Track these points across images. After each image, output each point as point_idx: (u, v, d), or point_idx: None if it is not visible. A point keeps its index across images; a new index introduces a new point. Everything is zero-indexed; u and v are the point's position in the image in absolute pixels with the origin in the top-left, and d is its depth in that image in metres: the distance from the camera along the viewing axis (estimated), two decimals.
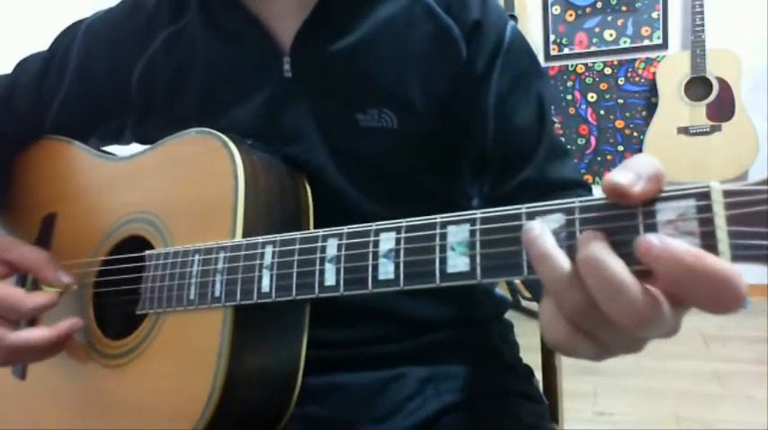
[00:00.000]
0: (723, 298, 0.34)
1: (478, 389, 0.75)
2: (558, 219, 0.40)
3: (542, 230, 0.40)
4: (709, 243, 0.34)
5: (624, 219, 0.37)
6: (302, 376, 0.64)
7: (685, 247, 0.34)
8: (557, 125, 3.44)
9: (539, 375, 0.90)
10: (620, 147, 3.40)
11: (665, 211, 0.36)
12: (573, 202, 0.40)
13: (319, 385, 0.71)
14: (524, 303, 3.04)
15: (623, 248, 0.37)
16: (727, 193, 0.34)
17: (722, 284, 0.33)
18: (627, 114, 3.38)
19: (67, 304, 0.71)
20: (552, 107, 0.79)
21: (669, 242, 0.34)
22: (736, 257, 0.33)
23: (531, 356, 0.88)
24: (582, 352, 0.41)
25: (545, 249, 0.39)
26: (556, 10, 3.45)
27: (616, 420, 2.04)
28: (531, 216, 0.41)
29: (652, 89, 3.26)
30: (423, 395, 0.74)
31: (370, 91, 0.72)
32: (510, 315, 0.90)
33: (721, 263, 0.33)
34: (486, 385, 0.76)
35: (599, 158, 3.45)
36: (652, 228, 0.36)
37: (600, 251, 0.37)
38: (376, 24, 0.72)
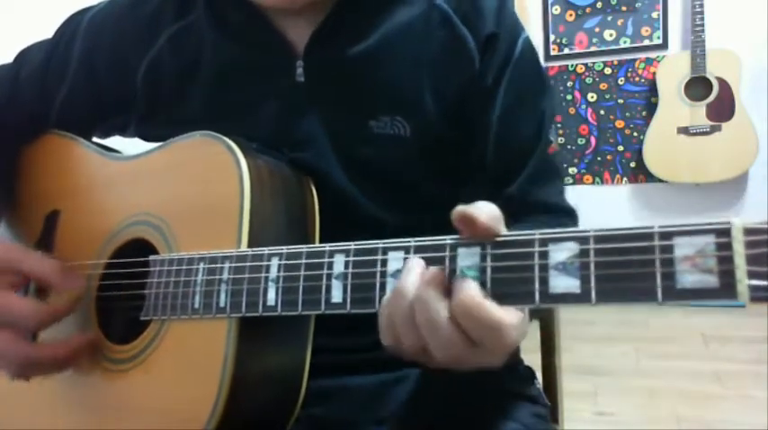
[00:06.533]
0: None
1: (480, 391, 0.75)
2: (571, 248, 0.39)
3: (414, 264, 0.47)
4: (727, 282, 0.34)
5: (640, 252, 0.36)
6: (308, 378, 0.64)
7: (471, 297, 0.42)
8: (558, 127, 3.43)
9: (539, 375, 0.90)
10: (620, 147, 3.39)
11: (682, 246, 0.35)
12: (587, 232, 0.39)
13: (324, 387, 0.71)
14: None
15: (637, 282, 0.36)
16: (747, 231, 0.33)
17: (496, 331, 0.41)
18: (627, 114, 3.37)
19: None
20: (552, 124, 0.78)
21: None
22: (754, 298, 0.33)
23: (531, 356, 0.88)
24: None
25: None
26: (556, 10, 3.44)
27: (616, 420, 2.04)
28: (543, 242, 0.40)
29: (652, 89, 3.25)
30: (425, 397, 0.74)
31: (383, 97, 0.71)
32: None
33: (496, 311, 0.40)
34: (487, 387, 0.76)
35: (599, 158, 3.44)
36: (669, 263, 0.35)
37: (430, 294, 0.44)
38: (392, 30, 0.71)
